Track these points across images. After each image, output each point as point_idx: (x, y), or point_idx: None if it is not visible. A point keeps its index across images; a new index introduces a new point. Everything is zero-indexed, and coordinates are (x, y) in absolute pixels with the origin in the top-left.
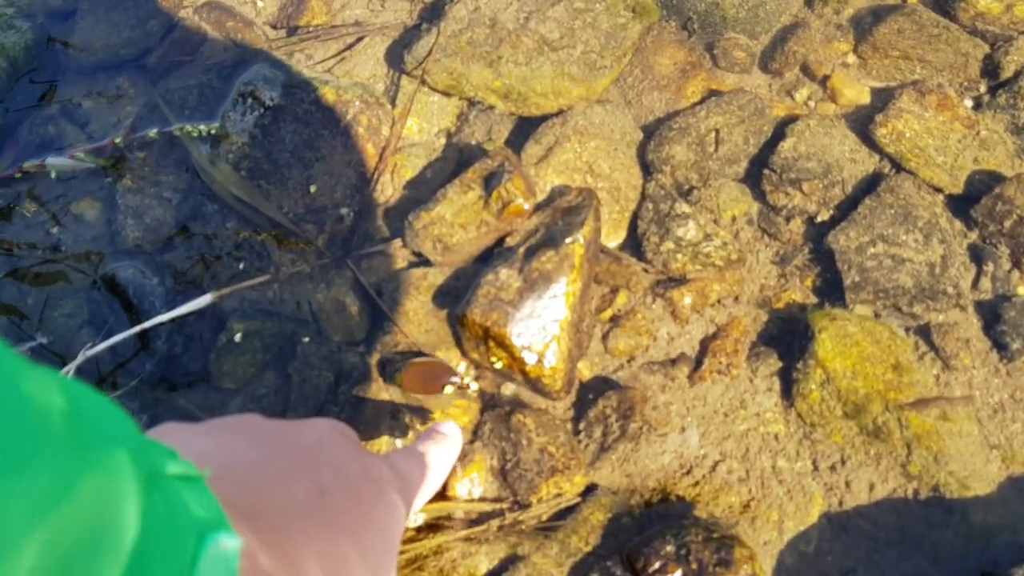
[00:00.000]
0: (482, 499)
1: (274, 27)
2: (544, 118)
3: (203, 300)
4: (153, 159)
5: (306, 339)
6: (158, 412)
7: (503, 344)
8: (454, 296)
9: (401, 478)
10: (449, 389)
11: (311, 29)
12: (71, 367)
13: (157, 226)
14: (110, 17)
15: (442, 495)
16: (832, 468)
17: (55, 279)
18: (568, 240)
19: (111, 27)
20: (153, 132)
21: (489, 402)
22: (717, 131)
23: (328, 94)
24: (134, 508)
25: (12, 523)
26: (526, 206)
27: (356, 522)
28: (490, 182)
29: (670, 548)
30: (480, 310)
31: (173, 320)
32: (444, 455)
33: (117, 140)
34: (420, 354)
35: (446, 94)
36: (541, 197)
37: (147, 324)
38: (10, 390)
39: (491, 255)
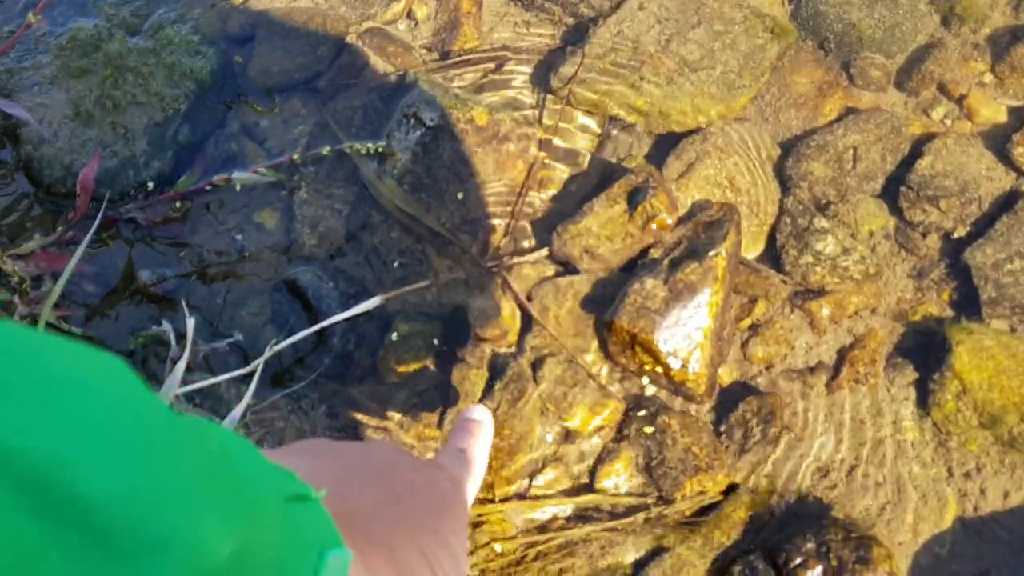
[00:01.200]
0: (628, 493)
1: (429, 50)
2: (684, 135)
3: (373, 302)
4: (325, 174)
5: (461, 340)
6: (335, 403)
7: (649, 350)
8: (600, 303)
9: (455, 481)
10: None
11: (463, 52)
12: (259, 361)
13: (330, 235)
14: (285, 44)
15: (590, 487)
16: (967, 475)
17: (241, 281)
18: (711, 253)
19: (286, 53)
20: (326, 149)
21: (633, 402)
22: (855, 148)
23: (481, 115)
24: (279, 527)
25: (216, 539)
26: (669, 220)
27: (433, 525)
28: (635, 197)
29: (811, 545)
30: (628, 317)
31: (347, 320)
32: (483, 444)
33: (295, 156)
34: None
35: (589, 112)
36: (683, 211)
37: (324, 323)
38: (194, 441)
39: (635, 265)
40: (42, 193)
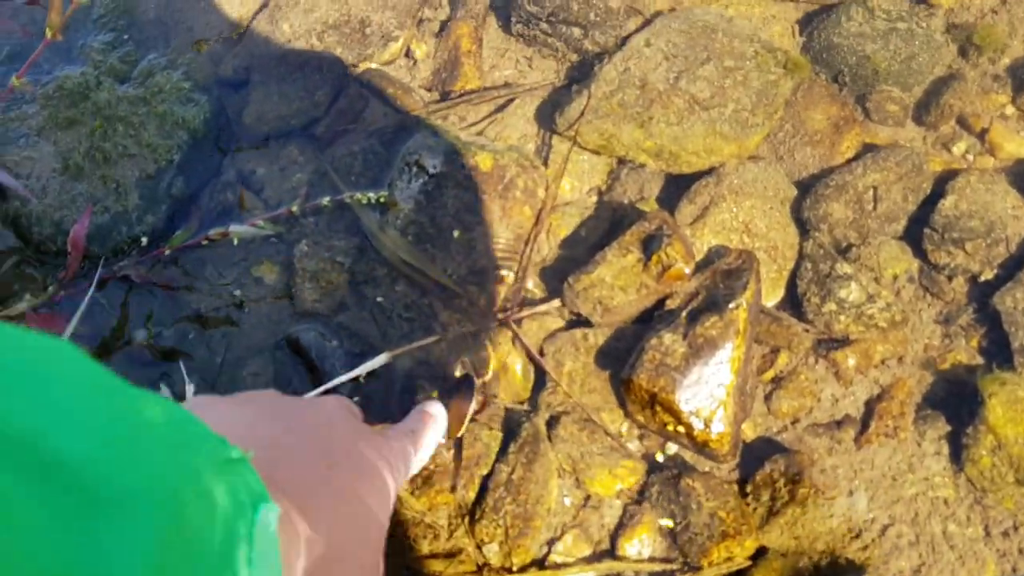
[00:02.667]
0: (651, 559)
1: (429, 90)
2: (695, 175)
3: (380, 360)
4: (325, 225)
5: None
6: None
7: (670, 410)
8: (615, 357)
9: (391, 461)
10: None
11: (464, 92)
12: None
13: (332, 289)
14: (281, 88)
15: (612, 554)
16: (1005, 534)
17: (241, 339)
18: (732, 305)
19: (282, 98)
20: (326, 200)
21: (653, 463)
22: (875, 188)
23: (486, 160)
24: (222, 489)
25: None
26: (686, 270)
27: (357, 496)
28: (649, 245)
29: None
30: (647, 375)
31: (352, 379)
32: (432, 437)
33: (293, 208)
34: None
35: (596, 153)
36: (698, 257)
37: (330, 384)
38: (134, 411)
39: (651, 316)
40: (31, 251)
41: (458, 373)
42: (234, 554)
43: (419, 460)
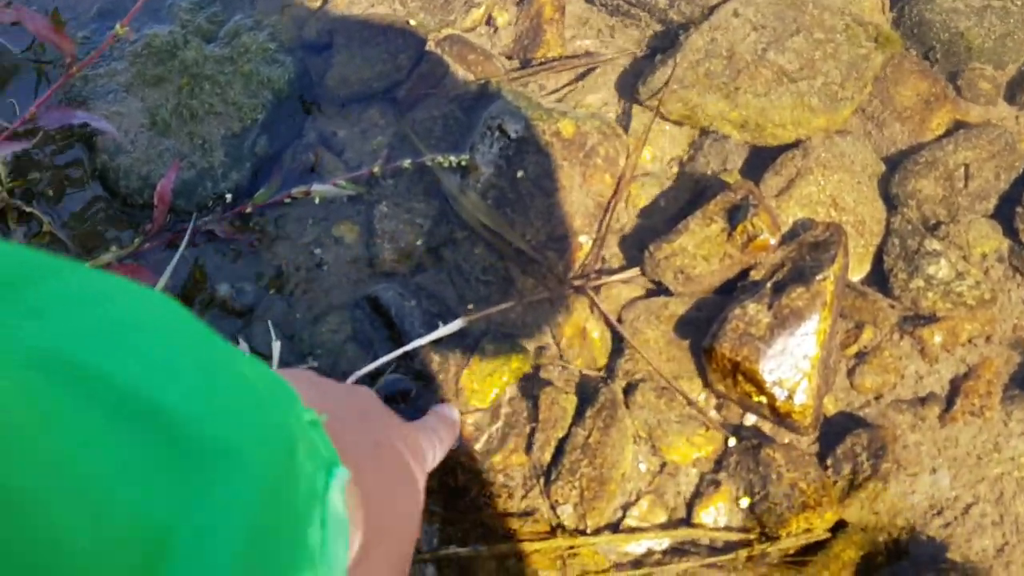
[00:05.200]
0: (728, 528)
1: (509, 58)
2: (780, 148)
3: (456, 324)
4: (404, 187)
5: (547, 363)
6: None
7: (753, 379)
8: (695, 326)
9: (419, 457)
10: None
11: (545, 60)
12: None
13: (411, 250)
14: (364, 52)
15: (687, 521)
16: None
17: (320, 297)
18: (819, 277)
19: (365, 61)
20: (407, 162)
21: (733, 433)
22: (967, 166)
23: (568, 126)
24: (304, 449)
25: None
26: (772, 240)
27: (400, 481)
28: (734, 215)
29: None
30: (730, 344)
31: (429, 342)
32: (451, 440)
33: (375, 169)
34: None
35: (678, 124)
36: (784, 230)
37: (408, 347)
38: (231, 366)
39: (733, 287)
40: (118, 203)
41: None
42: (312, 515)
43: (440, 456)
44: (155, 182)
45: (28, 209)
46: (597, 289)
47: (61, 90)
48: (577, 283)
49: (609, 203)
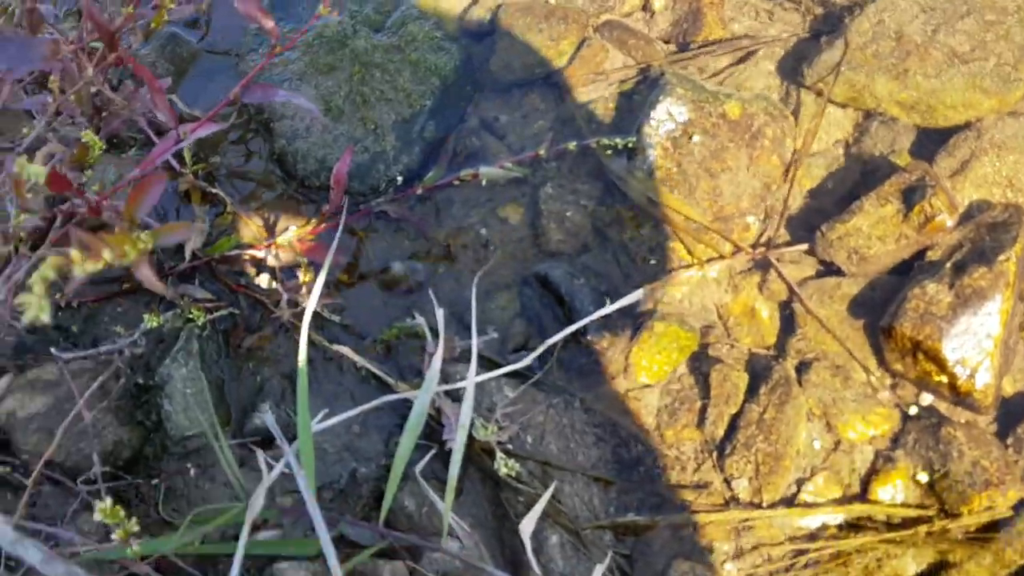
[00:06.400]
0: (904, 504)
1: (666, 41)
2: (950, 130)
3: (635, 296)
4: (568, 169)
5: (715, 341)
6: (589, 398)
7: (935, 358)
8: (869, 306)
9: None
10: None
11: (705, 43)
12: (528, 359)
13: (576, 230)
14: (526, 38)
15: (862, 497)
16: None
17: (488, 275)
18: (1000, 257)
19: (527, 48)
20: (572, 144)
21: (907, 412)
22: None
23: (734, 108)
24: None
25: None
26: (949, 221)
27: None
28: (910, 196)
29: None
30: (911, 324)
31: (599, 317)
32: None
33: (540, 152)
34: None
35: (843, 106)
36: (959, 210)
37: (582, 323)
38: None
39: (908, 267)
40: (295, 185)
41: None
42: None
43: None
44: (331, 165)
45: (212, 190)
46: (767, 267)
47: (239, 79)
48: (757, 251)
49: (777, 185)
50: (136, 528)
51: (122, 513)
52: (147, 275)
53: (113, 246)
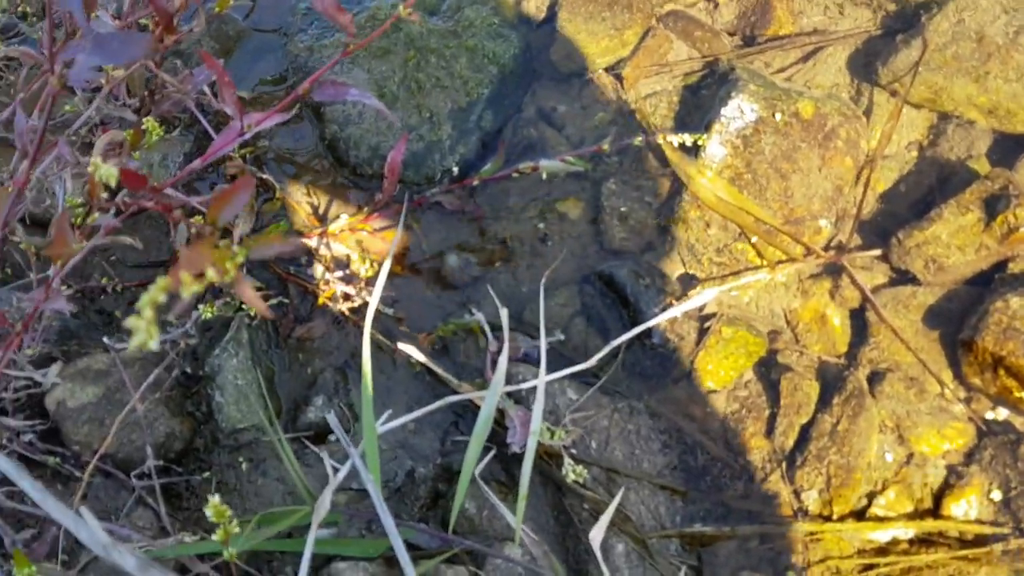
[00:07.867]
0: (979, 521)
1: (731, 34)
2: None
3: (706, 296)
4: (630, 164)
5: (784, 348)
6: (653, 402)
7: (1017, 375)
8: (947, 318)
9: None
10: None
11: (774, 38)
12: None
13: (640, 228)
14: (588, 26)
15: (935, 512)
16: None
17: (546, 271)
18: None
19: (590, 36)
20: (638, 139)
21: (985, 427)
22: None
23: (807, 107)
24: None
25: None
26: None
27: None
28: (993, 205)
29: None
30: (993, 338)
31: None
32: None
33: (604, 146)
34: None
35: (917, 107)
36: None
37: (647, 324)
38: None
39: (988, 279)
40: (347, 172)
41: None
42: None
43: None
44: (384, 153)
45: (261, 175)
46: (840, 272)
47: (286, 59)
48: (830, 254)
49: (850, 187)
50: (237, 529)
51: (228, 512)
52: (248, 293)
53: (216, 264)
